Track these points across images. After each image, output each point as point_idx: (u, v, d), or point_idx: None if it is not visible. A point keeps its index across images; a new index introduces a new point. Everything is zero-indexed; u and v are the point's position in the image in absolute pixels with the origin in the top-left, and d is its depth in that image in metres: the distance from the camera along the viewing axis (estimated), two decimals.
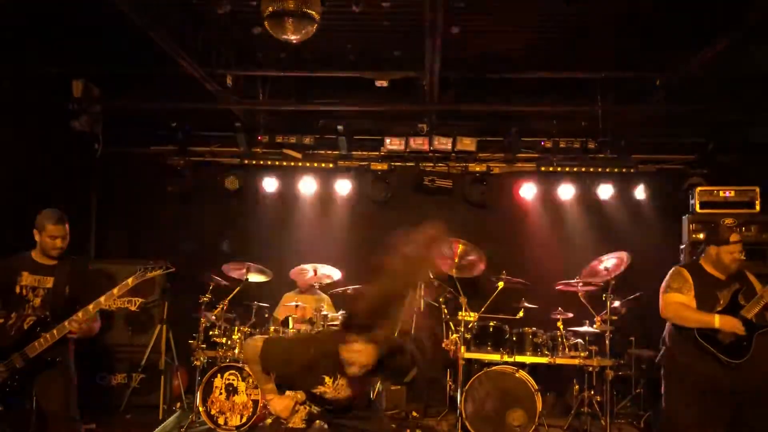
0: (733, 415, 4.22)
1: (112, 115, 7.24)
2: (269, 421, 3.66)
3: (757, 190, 6.64)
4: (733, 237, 4.38)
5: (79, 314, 4.14)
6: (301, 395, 3.52)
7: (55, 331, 4.15)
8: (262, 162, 7.92)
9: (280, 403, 3.50)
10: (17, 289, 4.25)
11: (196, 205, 8.05)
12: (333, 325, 6.08)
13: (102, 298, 4.19)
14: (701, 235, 6.51)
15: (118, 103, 7.15)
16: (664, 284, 4.47)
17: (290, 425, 3.48)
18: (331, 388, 3.40)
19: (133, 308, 7.05)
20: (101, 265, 6.90)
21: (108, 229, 7.92)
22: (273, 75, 6.74)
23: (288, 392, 3.55)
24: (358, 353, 3.15)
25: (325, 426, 3.65)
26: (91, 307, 4.17)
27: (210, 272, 6.58)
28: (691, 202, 6.79)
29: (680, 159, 7.75)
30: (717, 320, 4.14)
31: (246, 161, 7.91)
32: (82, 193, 7.60)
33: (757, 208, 6.61)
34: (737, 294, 4.28)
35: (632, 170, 7.61)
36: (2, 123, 5.90)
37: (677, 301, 4.33)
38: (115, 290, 4.24)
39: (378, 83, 6.21)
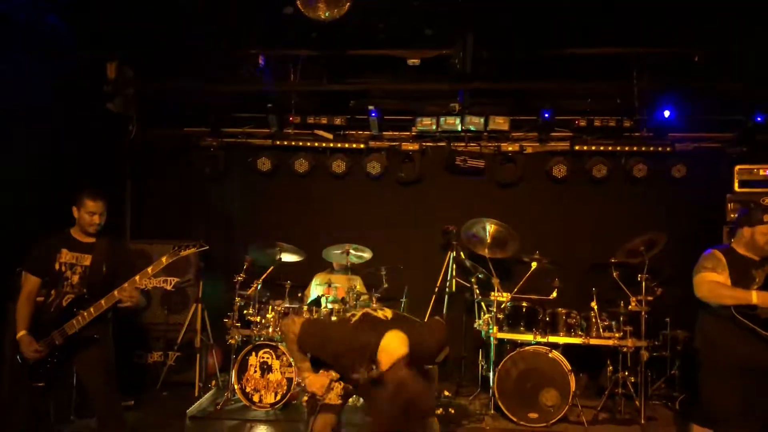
0: None
1: (146, 97, 7.32)
2: (305, 398, 3.67)
3: None
4: (766, 217, 4.29)
5: (125, 286, 4.22)
6: (335, 373, 3.55)
7: (92, 309, 4.23)
8: (293, 143, 7.94)
9: (316, 381, 3.54)
10: (56, 266, 4.33)
11: (229, 185, 8.13)
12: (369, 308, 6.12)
13: (137, 277, 4.25)
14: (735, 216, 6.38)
15: (151, 84, 7.21)
16: (697, 265, 4.40)
17: (326, 401, 3.52)
18: (366, 376, 3.37)
19: (168, 287, 7.16)
20: (136, 245, 7.03)
21: (143, 210, 8.03)
22: (304, 54, 6.72)
23: (323, 370, 3.58)
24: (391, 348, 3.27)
25: (360, 401, 3.68)
26: (126, 285, 4.24)
27: (244, 252, 6.65)
28: (731, 180, 6.64)
29: (718, 137, 7.58)
30: (754, 296, 4.07)
31: (278, 142, 7.94)
32: (117, 174, 7.72)
33: None
34: None
35: (669, 149, 7.46)
36: (38, 107, 5.98)
37: (712, 279, 4.26)
38: (149, 269, 4.29)
39: (410, 62, 6.17)
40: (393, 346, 3.29)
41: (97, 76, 6.83)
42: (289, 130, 7.83)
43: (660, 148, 7.45)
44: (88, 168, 6.43)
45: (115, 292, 4.22)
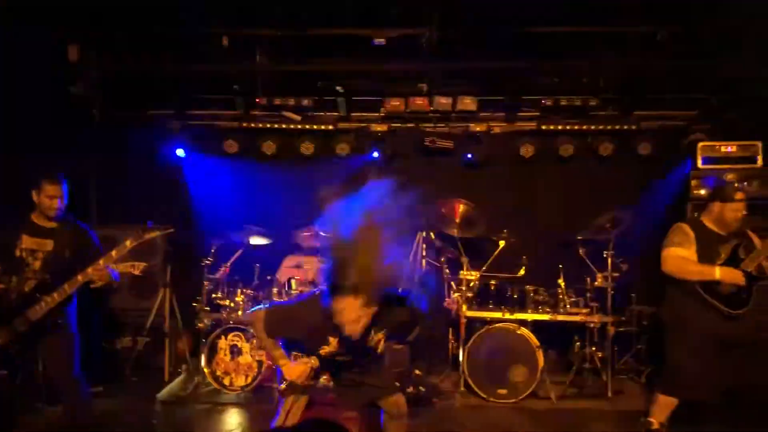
0: (734, 367, 4.28)
1: (110, 80, 7.17)
2: (283, 386, 3.65)
3: (759, 144, 6.59)
4: (739, 195, 4.42)
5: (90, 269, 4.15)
6: (314, 360, 3.53)
7: (56, 294, 4.17)
8: (261, 125, 7.86)
9: (295, 370, 3.51)
10: (17, 252, 4.26)
11: (197, 168, 8.03)
12: None
13: (101, 261, 4.20)
14: (702, 191, 6.49)
15: (114, 66, 7.06)
16: (665, 240, 4.49)
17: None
18: (336, 348, 3.44)
19: (136, 272, 6.99)
20: (102, 229, 6.88)
21: (109, 195, 7.91)
22: (270, 35, 6.63)
23: (302, 358, 3.56)
24: (347, 311, 3.20)
25: (330, 383, 3.67)
26: (89, 270, 4.18)
27: (211, 236, 6.60)
28: (694, 157, 6.74)
29: (682, 115, 7.67)
30: (718, 272, 4.17)
31: (245, 124, 7.85)
32: (81, 158, 7.58)
33: (759, 162, 6.56)
34: (737, 248, 4.31)
35: (634, 127, 7.54)
36: None
37: (678, 255, 4.35)
38: (113, 252, 4.25)
39: (376, 41, 6.12)
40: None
41: (58, 59, 6.68)
42: (256, 112, 7.73)
43: (626, 127, 7.52)
44: (50, 153, 6.30)
45: (79, 277, 4.16)
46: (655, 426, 4.51)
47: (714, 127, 7.37)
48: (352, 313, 3.21)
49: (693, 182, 6.68)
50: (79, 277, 4.16)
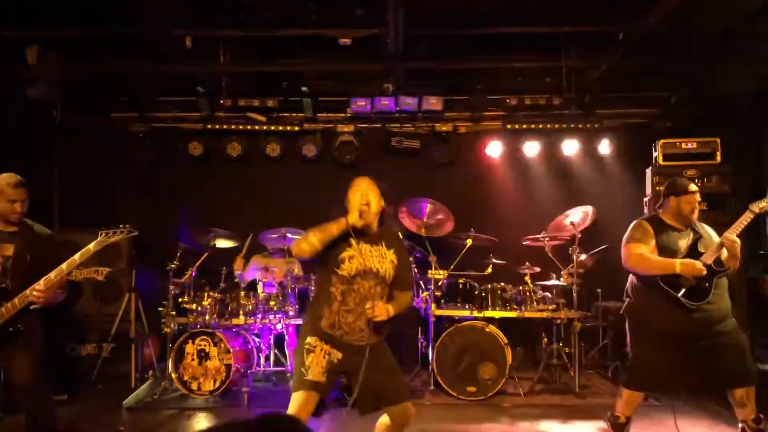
0: (696, 360, 4.36)
1: (71, 82, 7.03)
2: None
3: (718, 141, 6.72)
4: (692, 187, 4.50)
5: (41, 283, 4.05)
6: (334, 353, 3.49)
7: (17, 301, 4.05)
8: (225, 126, 7.81)
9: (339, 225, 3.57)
10: None
11: (160, 171, 7.95)
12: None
13: (64, 266, 4.09)
14: (663, 188, 6.59)
15: (75, 68, 6.93)
16: (625, 237, 4.56)
17: (310, 377, 3.43)
18: (357, 252, 3.55)
19: (99, 278, 6.97)
20: (65, 234, 6.78)
21: (71, 199, 7.77)
22: (234, 35, 6.57)
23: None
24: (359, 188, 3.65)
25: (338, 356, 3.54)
26: (53, 275, 4.08)
27: (176, 239, 6.52)
28: (654, 154, 6.86)
29: (644, 113, 7.82)
30: (678, 265, 4.24)
31: (209, 126, 7.78)
32: (43, 162, 7.44)
33: (718, 159, 6.70)
34: (696, 243, 4.39)
35: (597, 125, 7.66)
36: None
37: (639, 251, 4.42)
38: (76, 256, 4.13)
39: (341, 41, 6.11)
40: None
41: (16, 61, 6.53)
42: (221, 114, 7.67)
43: (588, 125, 7.64)
44: (11, 157, 6.15)
45: (27, 292, 4.04)
46: (622, 420, 4.56)
47: (675, 124, 7.54)
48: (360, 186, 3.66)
49: (654, 179, 6.80)
50: (41, 283, 4.05)
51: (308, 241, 3.52)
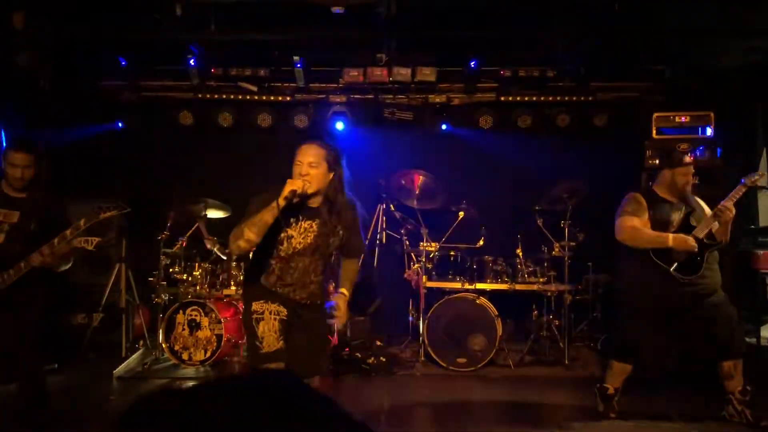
0: (685, 333, 4.39)
1: (58, 49, 6.90)
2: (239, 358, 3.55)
3: (712, 114, 6.70)
4: (686, 159, 4.49)
5: (44, 249, 4.00)
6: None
7: (22, 264, 3.99)
8: (216, 96, 7.71)
9: (291, 183, 3.36)
10: None
11: (151, 141, 7.86)
12: None
13: (55, 240, 4.04)
14: (657, 161, 6.59)
15: (62, 34, 6.80)
16: (619, 210, 4.56)
17: (266, 349, 3.37)
18: (296, 230, 3.41)
19: (90, 248, 6.84)
20: None
21: (61, 169, 7.67)
22: (225, 2, 6.45)
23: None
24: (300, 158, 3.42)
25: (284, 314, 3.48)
26: (37, 253, 4.01)
27: (168, 209, 6.48)
28: (649, 128, 6.83)
29: (638, 86, 7.77)
30: (670, 239, 4.26)
31: (200, 95, 7.69)
32: (29, 132, 7.32)
33: (710, 132, 6.68)
34: (689, 216, 4.40)
35: (590, 98, 7.61)
36: None
37: (632, 224, 4.42)
38: (67, 232, 4.07)
39: (334, 9, 6.01)
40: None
41: (2, 28, 6.40)
42: (212, 83, 7.56)
43: (582, 98, 7.59)
44: None
45: (28, 258, 3.99)
46: (610, 392, 4.61)
47: (669, 98, 7.49)
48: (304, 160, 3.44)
49: (648, 152, 6.78)
50: (35, 256, 3.98)
51: (245, 239, 3.35)
